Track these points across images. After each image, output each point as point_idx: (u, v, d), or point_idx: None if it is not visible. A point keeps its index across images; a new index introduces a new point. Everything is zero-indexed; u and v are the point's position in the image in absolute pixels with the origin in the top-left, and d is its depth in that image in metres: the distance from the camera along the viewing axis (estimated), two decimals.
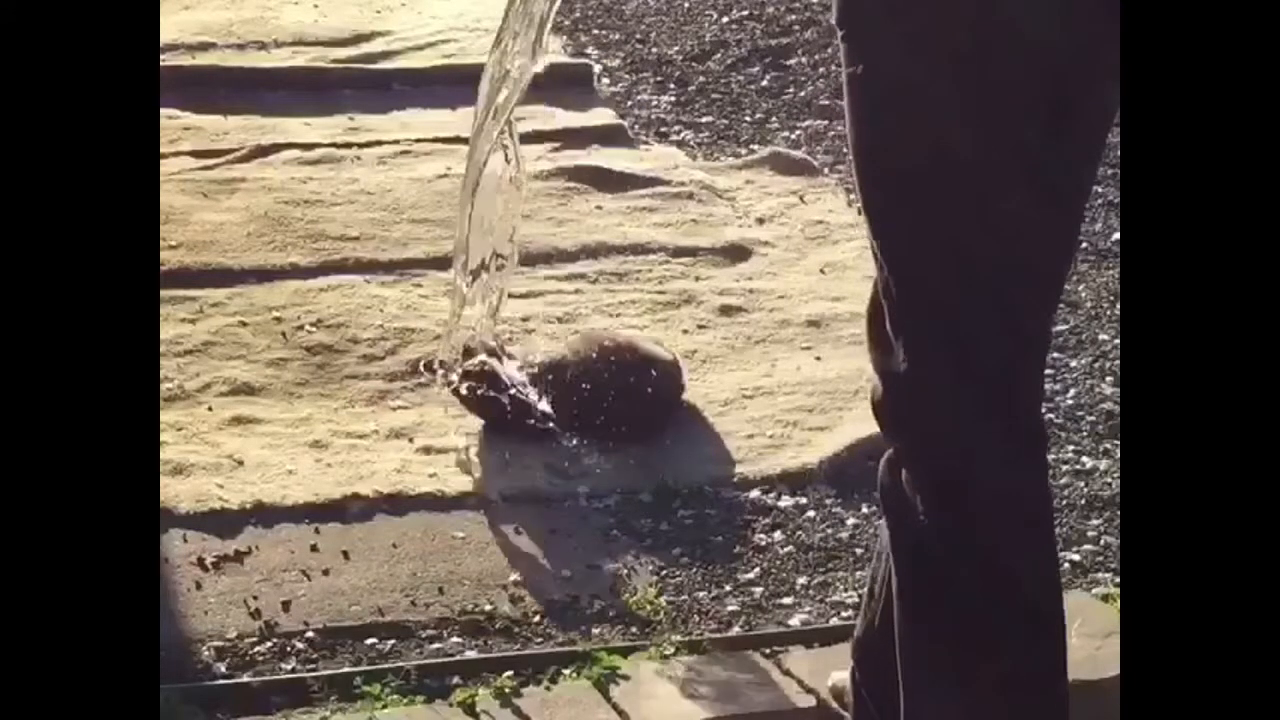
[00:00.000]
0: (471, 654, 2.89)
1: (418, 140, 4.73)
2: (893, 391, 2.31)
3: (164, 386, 3.54)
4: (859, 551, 3.17)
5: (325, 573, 3.06)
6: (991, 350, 2.24)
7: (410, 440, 3.44)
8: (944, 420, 2.27)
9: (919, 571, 2.29)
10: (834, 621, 2.98)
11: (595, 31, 5.56)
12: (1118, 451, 3.45)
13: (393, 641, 2.92)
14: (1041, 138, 2.19)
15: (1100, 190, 4.25)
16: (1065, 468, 3.42)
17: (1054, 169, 2.23)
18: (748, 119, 4.97)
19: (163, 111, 4.66)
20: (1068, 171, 2.26)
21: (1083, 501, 3.30)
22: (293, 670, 2.85)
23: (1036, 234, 2.25)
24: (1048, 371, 3.10)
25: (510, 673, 2.81)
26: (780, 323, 3.91)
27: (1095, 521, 3.26)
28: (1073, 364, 3.74)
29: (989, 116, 2.16)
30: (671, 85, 5.16)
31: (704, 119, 4.97)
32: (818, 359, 3.78)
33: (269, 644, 2.90)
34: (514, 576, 3.08)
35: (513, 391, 3.43)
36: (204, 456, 3.36)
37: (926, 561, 2.29)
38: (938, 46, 2.15)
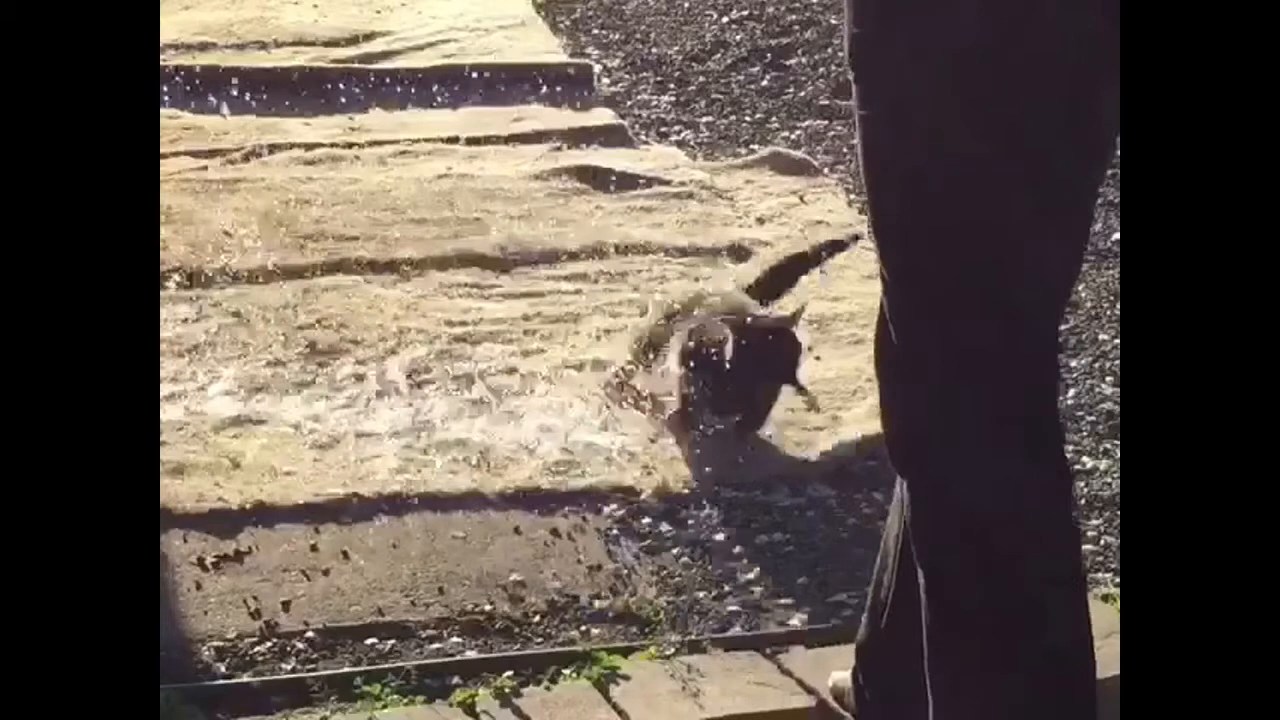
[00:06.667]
0: (471, 654, 2.89)
1: (418, 140, 4.73)
2: (902, 419, 2.30)
3: (164, 387, 3.54)
4: (859, 551, 3.16)
5: (325, 573, 3.06)
6: (1012, 376, 2.23)
7: (410, 440, 3.44)
8: (961, 451, 2.25)
9: (944, 599, 2.28)
10: (834, 621, 2.98)
11: (595, 31, 5.56)
12: (1118, 451, 3.45)
13: (393, 641, 2.92)
14: (1059, 145, 2.18)
15: (1100, 190, 4.24)
16: None
17: (1066, 174, 2.22)
18: (748, 119, 4.97)
19: (163, 111, 4.66)
20: (1080, 175, 2.26)
21: (1083, 501, 3.29)
22: (293, 670, 2.85)
23: (1054, 243, 2.25)
24: None
25: (510, 673, 2.81)
26: None
27: (1095, 521, 3.26)
28: (1073, 364, 3.74)
29: (1015, 147, 2.15)
30: (671, 85, 5.16)
31: (704, 119, 4.97)
32: (818, 359, 3.77)
33: (269, 644, 2.90)
34: (514, 576, 3.08)
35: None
36: (204, 456, 3.36)
37: (949, 589, 2.28)
38: (952, 72, 2.13)
